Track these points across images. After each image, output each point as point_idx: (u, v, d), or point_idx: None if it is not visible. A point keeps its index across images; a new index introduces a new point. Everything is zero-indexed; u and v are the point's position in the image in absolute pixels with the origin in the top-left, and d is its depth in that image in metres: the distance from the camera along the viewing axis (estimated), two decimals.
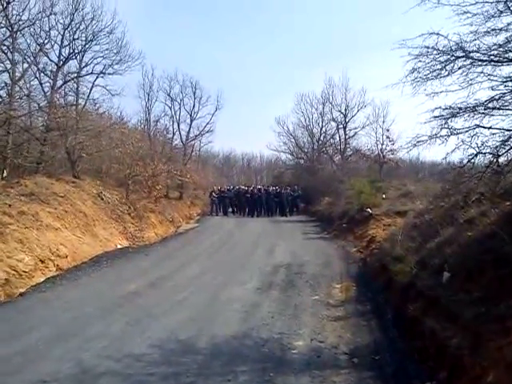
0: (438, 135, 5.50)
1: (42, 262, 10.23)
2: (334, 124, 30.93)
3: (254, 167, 60.92)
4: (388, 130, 25.81)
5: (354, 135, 29.97)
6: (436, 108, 5.60)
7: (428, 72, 5.61)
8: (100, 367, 4.78)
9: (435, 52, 5.52)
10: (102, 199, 17.46)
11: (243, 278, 9.46)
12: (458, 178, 6.11)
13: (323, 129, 31.78)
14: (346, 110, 29.86)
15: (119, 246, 14.37)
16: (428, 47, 5.55)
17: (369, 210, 15.30)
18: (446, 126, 5.45)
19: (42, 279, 9.41)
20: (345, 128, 29.99)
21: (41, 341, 5.52)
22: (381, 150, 25.98)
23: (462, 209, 6.98)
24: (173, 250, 13.81)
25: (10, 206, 11.67)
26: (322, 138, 31.91)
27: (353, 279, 9.30)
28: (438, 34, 5.50)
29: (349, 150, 30.25)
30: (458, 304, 4.75)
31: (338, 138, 30.95)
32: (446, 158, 5.74)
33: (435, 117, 5.56)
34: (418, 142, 5.70)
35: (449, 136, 5.47)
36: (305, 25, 66.31)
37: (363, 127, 28.65)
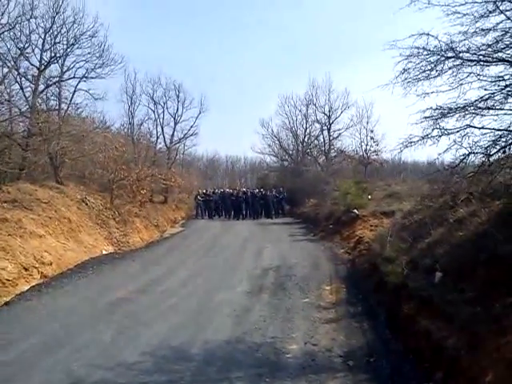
0: (430, 136, 5.52)
1: (26, 269, 10.02)
2: (318, 125, 31.10)
3: (239, 170, 60.77)
4: (372, 131, 26.06)
5: (338, 136, 30.13)
6: (427, 109, 5.61)
7: (418, 72, 5.63)
8: (92, 377, 4.67)
9: (425, 52, 5.53)
10: (87, 204, 17.22)
11: (233, 282, 9.39)
12: (448, 178, 6.12)
13: (307, 130, 31.91)
14: (329, 111, 29.99)
15: (104, 252, 14.18)
16: (418, 48, 5.57)
17: (355, 210, 15.35)
18: (437, 126, 5.47)
19: (27, 287, 9.19)
20: (329, 129, 30.11)
21: (29, 351, 5.37)
22: (365, 150, 26.17)
23: (452, 209, 7.01)
24: (159, 255, 13.66)
25: None
26: (306, 140, 32.02)
27: (342, 281, 9.29)
28: (428, 34, 5.52)
29: (333, 151, 30.37)
30: (452, 304, 4.76)
31: (322, 140, 31.06)
32: (438, 158, 5.77)
33: (426, 117, 5.58)
34: (410, 143, 5.70)
35: (440, 136, 5.49)
36: (289, 27, 66.45)
37: (347, 128, 28.88)
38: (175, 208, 29.40)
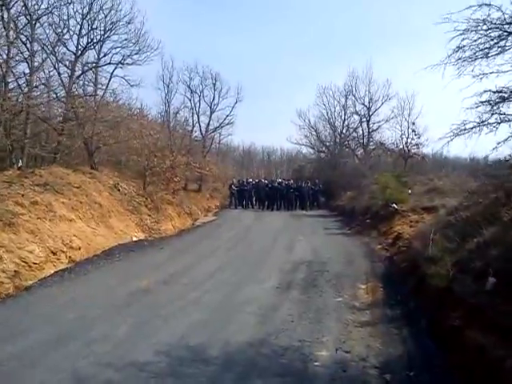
0: (487, 122, 4.78)
1: (54, 253, 9.89)
2: (356, 117, 30.04)
3: (275, 161, 60.15)
4: (414, 124, 24.79)
5: (377, 129, 29.02)
6: (485, 91, 4.87)
7: (476, 50, 4.87)
8: (97, 378, 4.26)
9: (485, 26, 4.79)
10: (119, 190, 17.09)
11: (261, 276, 8.89)
12: (503, 172, 5.38)
13: (346, 122, 30.91)
14: (369, 102, 28.92)
15: (135, 239, 13.96)
16: (477, 20, 4.78)
17: (394, 205, 14.55)
18: (496, 111, 4.71)
19: (53, 271, 9.03)
20: (368, 121, 29.07)
21: (37, 344, 5.04)
22: (406, 143, 24.99)
23: (505, 206, 6.25)
24: (189, 244, 13.31)
25: (22, 195, 11.33)
26: (344, 132, 31.05)
27: (379, 279, 8.63)
28: (489, 4, 4.75)
29: (372, 143, 29.32)
30: (509, 316, 4.09)
31: (360, 132, 30.02)
32: (495, 148, 5.00)
33: (483, 102, 4.84)
34: (463, 130, 4.97)
35: (499, 123, 4.74)
36: (329, 18, 64.98)
37: (387, 120, 27.63)
38: (209, 197, 29.22)
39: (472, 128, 4.93)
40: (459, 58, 5.01)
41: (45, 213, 11.08)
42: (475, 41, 4.88)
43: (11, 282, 7.97)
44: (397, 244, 10.98)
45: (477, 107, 4.89)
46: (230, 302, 7.04)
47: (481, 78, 4.98)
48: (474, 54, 4.91)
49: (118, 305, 6.71)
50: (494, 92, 4.82)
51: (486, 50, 4.85)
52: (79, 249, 10.86)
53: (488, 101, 4.83)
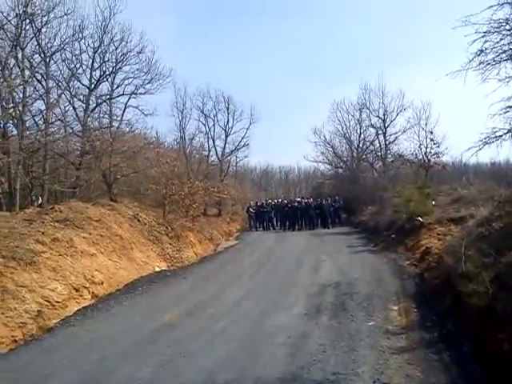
0: None
1: (77, 290, 9.76)
2: (372, 130, 29.58)
3: (293, 179, 60.10)
4: (432, 133, 24.28)
5: (394, 140, 28.44)
6: None
7: (499, 52, 4.58)
8: None
9: (508, 26, 4.48)
10: (139, 221, 17.02)
11: (288, 302, 8.58)
12: None
13: (362, 136, 30.51)
14: (384, 114, 28.48)
15: (157, 269, 13.80)
16: (500, 21, 4.50)
17: (419, 218, 14.12)
18: None
19: (76, 308, 8.90)
20: (384, 134, 28.60)
21: None
22: (425, 153, 24.49)
23: None
24: (212, 272, 13.05)
25: (43, 233, 11.30)
26: (360, 146, 30.63)
27: (411, 299, 8.23)
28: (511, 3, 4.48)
29: (390, 155, 28.83)
30: None
31: (378, 144, 29.49)
32: None
33: None
34: (491, 138, 4.67)
35: None
36: (338, 32, 65.35)
37: (404, 131, 27.11)
38: (229, 220, 29.10)
39: (502, 135, 4.61)
40: (481, 62, 4.74)
41: (66, 249, 11.01)
42: (498, 42, 4.62)
43: (34, 323, 7.84)
44: (426, 259, 10.54)
45: (505, 113, 4.58)
46: (258, 333, 6.74)
47: (507, 82, 4.69)
48: (498, 56, 4.63)
49: (142, 342, 6.47)
50: None
51: (510, 51, 4.57)
52: (102, 283, 10.73)
53: None
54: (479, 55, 4.76)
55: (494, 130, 4.68)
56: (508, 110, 4.58)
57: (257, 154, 71.28)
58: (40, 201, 15.59)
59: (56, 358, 5.97)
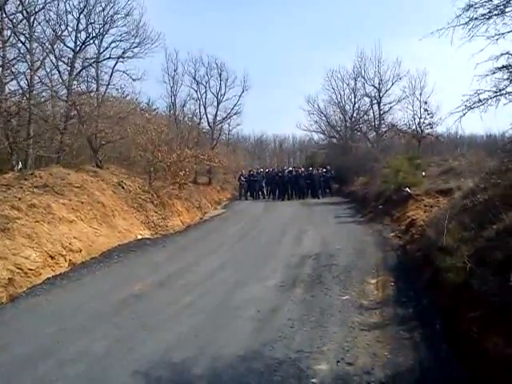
0: (504, 91, 4.03)
1: (52, 257, 9.47)
2: (367, 99, 28.96)
3: (287, 149, 59.72)
4: (426, 103, 23.75)
5: (389, 110, 27.89)
6: (502, 54, 4.10)
7: (489, 8, 4.09)
8: None
9: None
10: (123, 188, 16.65)
11: (265, 273, 8.31)
12: None
13: (356, 105, 29.89)
14: (379, 83, 27.78)
15: (140, 237, 13.52)
16: None
17: (407, 189, 13.80)
18: None
19: (51, 276, 8.62)
20: (379, 103, 27.98)
21: (5, 367, 4.52)
22: (418, 124, 24.02)
23: None
24: (193, 240, 12.77)
25: (19, 199, 10.93)
26: (354, 115, 30.05)
27: (391, 272, 7.94)
28: None
29: (384, 126, 28.32)
30: None
31: (371, 114, 28.90)
32: None
33: (500, 68, 4.07)
34: (475, 102, 4.23)
35: None
36: (334, 2, 63.54)
37: (399, 101, 26.53)
38: (220, 189, 28.83)
39: (488, 99, 4.18)
40: (470, 18, 4.26)
41: (43, 215, 10.67)
42: None
43: (5, 291, 7.56)
44: (410, 231, 10.27)
45: (493, 73, 4.14)
46: (227, 306, 6.45)
47: (497, 39, 4.24)
48: (489, 12, 4.14)
49: (105, 314, 6.16)
50: None
51: (502, 8, 4.09)
52: (80, 251, 10.45)
53: (506, 66, 4.09)
54: (467, 10, 4.29)
55: (479, 93, 4.25)
56: (495, 70, 4.14)
57: (251, 123, 70.62)
58: (20, 166, 15.09)
59: (10, 330, 5.66)
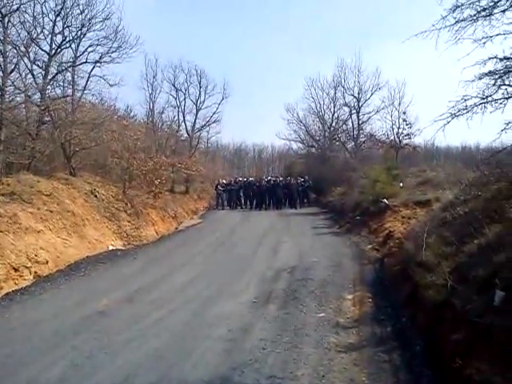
0: (491, 98, 3.80)
1: (16, 270, 8.98)
2: (346, 109, 28.97)
3: (266, 158, 59.56)
4: (405, 113, 23.85)
5: (368, 120, 27.95)
6: (489, 58, 3.87)
7: (476, 11, 3.86)
8: None
9: None
10: (96, 196, 16.12)
11: (238, 288, 7.96)
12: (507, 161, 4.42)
13: (335, 114, 29.90)
14: (359, 93, 27.86)
15: (111, 248, 13.04)
16: None
17: (385, 200, 13.65)
18: (503, 83, 3.73)
19: (9, 291, 8.12)
20: (358, 113, 28.03)
21: None
22: (397, 134, 24.09)
23: (509, 200, 5.31)
24: (166, 252, 12.34)
25: None
26: (334, 125, 30.05)
27: (368, 287, 7.69)
28: None
29: (362, 136, 28.35)
30: None
31: (350, 124, 28.92)
32: (504, 130, 4.00)
33: (487, 73, 3.84)
34: (460, 110, 3.99)
35: (507, 99, 3.76)
36: (314, 10, 64.01)
37: (378, 111, 26.62)
38: (197, 198, 28.39)
39: (474, 106, 3.95)
40: (456, 21, 4.03)
41: (8, 225, 10.15)
42: None
43: None
44: (388, 243, 10.07)
45: (480, 79, 3.91)
46: (197, 324, 6.07)
47: (484, 43, 4.02)
48: (476, 13, 3.92)
49: (64, 334, 5.70)
50: (501, 59, 3.86)
51: (490, 10, 3.88)
52: (47, 263, 9.97)
53: (493, 72, 3.88)
54: (454, 11, 4.07)
55: (465, 98, 4.02)
56: (482, 76, 3.93)
57: (231, 131, 70.18)
58: None
59: None
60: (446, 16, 4.10)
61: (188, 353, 5.07)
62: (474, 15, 3.95)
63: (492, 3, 3.87)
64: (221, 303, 7.03)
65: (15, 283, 8.67)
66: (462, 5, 3.99)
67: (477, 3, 3.93)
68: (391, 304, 6.61)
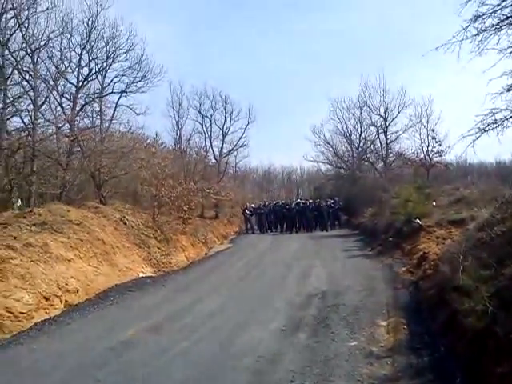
0: None
1: (47, 299, 9.00)
2: (373, 129, 28.78)
3: (295, 180, 59.31)
4: (433, 130, 23.46)
5: (396, 139, 27.66)
6: None
7: (499, 19, 3.65)
8: None
9: None
10: (125, 224, 16.26)
11: (266, 315, 7.71)
12: None
13: (362, 135, 29.72)
14: (385, 112, 27.67)
15: (142, 275, 13.02)
16: None
17: (418, 220, 13.21)
18: None
19: (39, 320, 8.10)
20: (385, 132, 27.73)
21: None
22: (426, 152, 23.61)
23: None
24: (195, 279, 12.20)
25: (15, 237, 10.58)
26: (361, 145, 29.79)
27: (402, 313, 7.31)
28: None
29: (391, 155, 27.93)
30: None
31: (378, 144, 28.66)
32: None
33: None
34: (489, 124, 3.74)
35: None
36: (337, 31, 64.39)
37: (405, 130, 26.36)
38: (227, 223, 28.41)
39: (504, 120, 3.69)
40: (478, 31, 3.81)
41: (39, 255, 10.28)
42: (499, 5, 3.71)
43: None
44: (422, 266, 9.64)
45: (508, 90, 3.66)
46: (223, 354, 5.85)
47: (510, 52, 3.79)
48: (499, 22, 3.70)
49: (88, 366, 5.56)
50: None
51: None
52: (77, 291, 9.99)
53: None
54: (475, 21, 3.86)
55: (494, 112, 3.75)
56: (511, 87, 3.66)
57: (259, 154, 70.61)
58: (19, 203, 14.79)
59: None
60: (466, 27, 3.93)
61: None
62: (497, 24, 3.75)
63: None
64: (247, 332, 6.80)
65: (46, 312, 8.68)
66: (484, 14, 3.80)
67: (499, 12, 3.73)
68: (427, 331, 6.23)
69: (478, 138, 4.28)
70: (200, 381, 5.05)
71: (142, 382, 5.05)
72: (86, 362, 5.75)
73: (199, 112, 29.12)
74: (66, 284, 9.83)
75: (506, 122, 3.76)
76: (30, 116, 16.37)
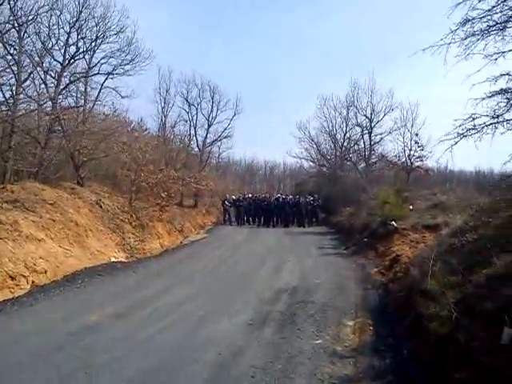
0: (502, 118, 3.51)
1: (13, 278, 8.77)
2: (358, 129, 28.69)
3: (278, 175, 59.28)
4: (417, 135, 23.54)
5: (379, 141, 27.66)
6: (501, 75, 3.60)
7: (488, 25, 3.60)
8: None
9: None
10: (101, 207, 16.00)
11: (235, 308, 7.65)
12: None
13: (347, 134, 29.60)
14: (371, 114, 27.62)
15: (113, 260, 12.82)
16: None
17: (393, 222, 13.29)
18: None
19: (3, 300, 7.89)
20: (370, 133, 27.75)
21: None
22: (408, 156, 23.76)
23: None
24: (167, 266, 12.08)
25: None
26: (345, 144, 29.77)
27: (370, 314, 7.30)
28: None
29: (374, 156, 28.05)
30: None
31: (362, 144, 28.68)
32: None
33: (499, 91, 3.57)
34: (469, 130, 3.71)
35: None
36: (330, 30, 64.37)
37: (390, 132, 26.38)
38: (205, 213, 28.20)
39: (483, 126, 3.67)
40: (467, 35, 3.77)
41: (8, 233, 10.00)
42: (489, 10, 3.66)
43: None
44: (394, 268, 9.68)
45: (490, 97, 3.62)
46: (188, 344, 5.77)
47: (496, 59, 3.76)
48: (488, 27, 3.66)
49: (47, 350, 5.42)
50: None
51: (503, 24, 3.62)
52: (45, 272, 9.75)
53: (505, 89, 3.59)
54: (464, 25, 3.82)
55: (474, 117, 3.72)
56: (493, 94, 3.63)
57: (243, 147, 70.29)
58: None
59: None
60: (455, 30, 3.87)
61: (171, 378, 4.76)
62: (486, 29, 3.69)
63: (505, 17, 3.62)
64: (215, 324, 6.73)
65: (11, 292, 8.49)
66: (473, 18, 3.75)
67: (489, 17, 3.69)
68: (393, 333, 6.24)
69: (456, 143, 4.26)
70: (159, 371, 4.94)
71: (98, 370, 4.92)
72: (45, 346, 5.60)
73: (186, 100, 28.77)
74: (34, 264, 9.60)
75: (485, 128, 3.73)
76: (12, 91, 15.91)
